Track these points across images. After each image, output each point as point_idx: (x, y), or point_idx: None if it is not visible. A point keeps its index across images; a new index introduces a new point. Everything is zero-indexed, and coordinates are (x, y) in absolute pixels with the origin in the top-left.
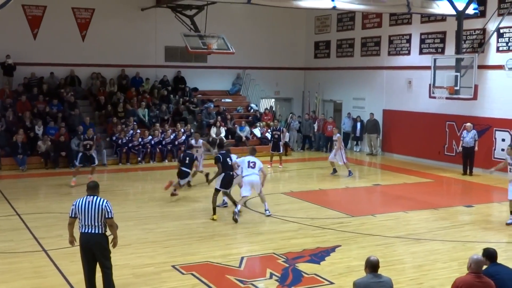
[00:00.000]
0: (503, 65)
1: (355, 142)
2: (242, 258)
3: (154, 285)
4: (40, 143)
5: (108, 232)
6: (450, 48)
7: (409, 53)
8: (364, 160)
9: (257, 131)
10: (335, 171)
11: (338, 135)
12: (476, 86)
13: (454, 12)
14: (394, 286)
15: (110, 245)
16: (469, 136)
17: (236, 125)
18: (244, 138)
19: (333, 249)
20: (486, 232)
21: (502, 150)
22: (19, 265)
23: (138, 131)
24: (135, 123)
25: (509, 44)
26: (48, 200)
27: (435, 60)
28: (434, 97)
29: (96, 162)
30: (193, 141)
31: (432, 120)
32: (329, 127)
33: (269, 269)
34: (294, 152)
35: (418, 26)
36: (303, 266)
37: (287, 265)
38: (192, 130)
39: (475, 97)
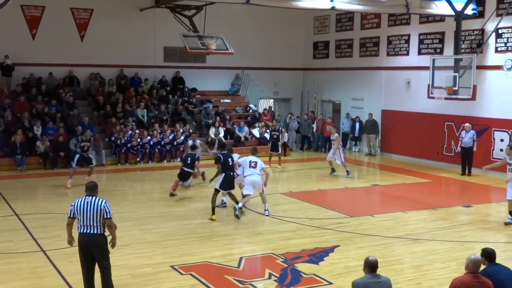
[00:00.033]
0: (502, 66)
1: (354, 143)
2: (241, 258)
3: (153, 286)
4: (38, 144)
5: (106, 233)
6: (449, 49)
7: (407, 54)
8: (363, 161)
9: (256, 132)
10: (333, 170)
11: (336, 134)
12: (474, 87)
13: (452, 13)
14: (392, 286)
15: (109, 246)
16: (467, 137)
17: (235, 126)
18: (243, 139)
19: (331, 249)
20: (484, 232)
21: (501, 150)
22: (18, 265)
23: (137, 131)
24: (133, 123)
25: (508, 45)
26: (46, 201)
27: (433, 60)
28: (433, 98)
29: (94, 163)
30: (190, 142)
31: (431, 120)
32: (327, 127)
33: (268, 269)
34: (293, 152)
35: (416, 27)
36: (302, 266)
37: (286, 265)
38: (190, 131)
39: (473, 98)
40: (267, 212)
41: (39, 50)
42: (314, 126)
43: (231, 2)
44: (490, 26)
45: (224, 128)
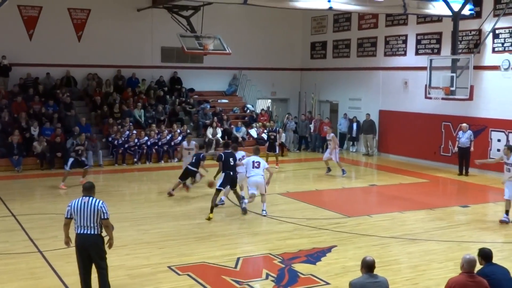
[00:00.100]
0: (499, 66)
1: (351, 143)
2: (238, 258)
3: (150, 286)
4: (35, 144)
5: (103, 233)
6: (446, 49)
7: (405, 54)
8: (360, 161)
9: (253, 132)
10: (329, 170)
11: (332, 134)
12: (472, 87)
13: (450, 13)
14: (390, 286)
15: (106, 246)
16: (465, 137)
17: (232, 126)
18: (240, 139)
19: (329, 249)
20: (481, 232)
21: (498, 150)
22: (15, 266)
23: (134, 131)
24: (131, 123)
25: (505, 45)
26: (43, 201)
27: (431, 60)
28: (430, 98)
29: (91, 164)
30: (185, 143)
31: (428, 120)
32: (325, 127)
33: (265, 270)
34: (290, 152)
35: (414, 27)
36: (299, 267)
37: (283, 266)
38: (188, 131)
39: (471, 98)
40: (264, 212)
41: (36, 51)
42: (312, 126)
43: (228, 3)
44: (487, 27)
45: (221, 129)
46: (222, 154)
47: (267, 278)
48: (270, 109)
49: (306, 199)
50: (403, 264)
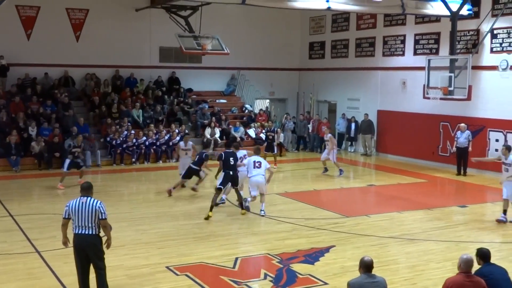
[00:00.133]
0: (497, 66)
1: (349, 143)
2: (237, 258)
3: (148, 286)
4: (33, 144)
5: (101, 233)
6: (444, 49)
7: (403, 54)
8: (358, 161)
9: (251, 132)
10: (326, 170)
11: (329, 135)
12: (470, 87)
13: (448, 13)
14: (388, 286)
15: (104, 246)
16: (463, 137)
17: (230, 126)
18: (238, 139)
19: (327, 249)
20: (479, 232)
21: (496, 150)
22: (13, 266)
23: (133, 132)
24: (129, 123)
25: (503, 45)
26: (41, 201)
27: (429, 60)
28: (428, 98)
29: (89, 164)
30: (182, 143)
31: (426, 120)
32: (323, 127)
33: (264, 270)
34: (288, 152)
35: (412, 27)
36: (297, 267)
37: (281, 266)
38: (186, 131)
39: (469, 98)
40: (262, 212)
41: (34, 51)
42: (310, 126)
43: (226, 3)
44: (485, 27)
45: (219, 129)
46: (223, 154)
47: (265, 278)
48: (268, 109)
49: (304, 199)
50: (401, 264)
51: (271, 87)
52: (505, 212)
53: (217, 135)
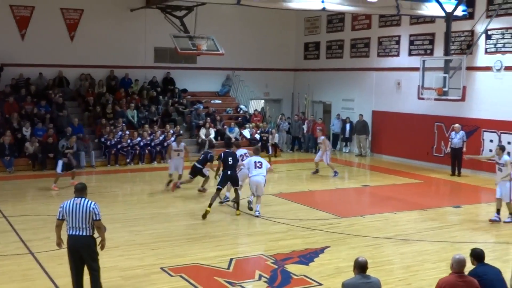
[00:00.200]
0: (491, 67)
1: (344, 143)
2: (231, 259)
3: None
4: (27, 145)
5: (96, 234)
6: (439, 50)
7: (398, 55)
8: (353, 161)
9: (246, 133)
10: (317, 171)
11: (322, 137)
12: (464, 88)
13: (443, 14)
14: (382, 286)
15: (98, 247)
16: (457, 137)
17: (225, 126)
18: (233, 140)
19: (322, 250)
20: (474, 232)
21: (490, 150)
22: (6, 268)
23: (127, 132)
24: (124, 124)
25: (497, 46)
26: (35, 202)
27: (423, 61)
28: (423, 98)
29: (83, 165)
30: (174, 144)
31: (421, 121)
32: (318, 128)
33: (258, 271)
34: (283, 153)
35: (407, 28)
36: (292, 268)
37: (276, 267)
38: (181, 132)
39: (463, 99)
40: (257, 212)
41: (28, 51)
42: (305, 127)
43: (222, 3)
44: (479, 28)
45: (214, 129)
46: (222, 154)
47: (260, 279)
48: (263, 110)
49: (299, 199)
50: (395, 264)
51: (266, 87)
52: (498, 211)
53: (212, 135)
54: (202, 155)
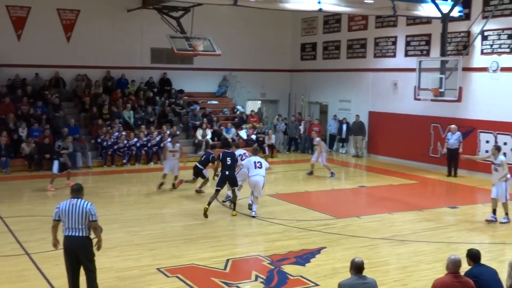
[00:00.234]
0: (487, 68)
1: (341, 144)
2: (228, 260)
3: None
4: (24, 146)
5: (92, 235)
6: (435, 51)
7: (394, 55)
8: (349, 162)
9: (243, 133)
10: (311, 172)
11: (318, 139)
12: (460, 88)
13: (439, 15)
14: (378, 287)
15: (94, 248)
16: (453, 138)
17: (222, 127)
18: (230, 140)
19: (318, 251)
20: (470, 233)
21: (486, 151)
22: (2, 269)
23: (124, 133)
24: (120, 125)
25: (493, 47)
26: (31, 203)
27: (420, 62)
28: (419, 99)
29: (79, 166)
30: (169, 145)
31: (417, 122)
32: (315, 128)
33: (255, 271)
34: (280, 154)
35: (403, 29)
36: (288, 268)
37: (272, 267)
38: (178, 132)
39: (459, 99)
40: (254, 213)
41: (24, 51)
42: (301, 127)
43: (218, 4)
44: (476, 29)
45: (211, 130)
46: (220, 154)
47: (256, 279)
48: (260, 111)
49: (295, 200)
50: (392, 265)
51: (262, 88)
52: (494, 211)
53: (209, 136)
54: (204, 156)
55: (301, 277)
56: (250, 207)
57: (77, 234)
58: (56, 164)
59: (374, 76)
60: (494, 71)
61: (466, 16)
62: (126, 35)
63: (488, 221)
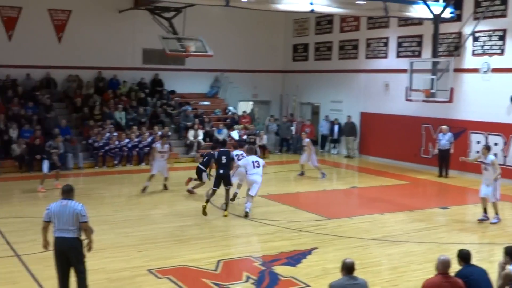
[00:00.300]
0: (478, 69)
1: (332, 145)
2: (219, 261)
3: None
4: (14, 146)
5: (83, 236)
6: (427, 52)
7: (386, 57)
8: (341, 163)
9: (235, 134)
10: (302, 173)
11: (307, 140)
12: (452, 89)
13: (430, 16)
14: None
15: (85, 249)
16: (445, 139)
17: (214, 128)
18: (221, 141)
19: (309, 251)
20: (460, 233)
21: (477, 152)
22: None
23: (115, 134)
24: (112, 126)
25: (484, 48)
26: (22, 204)
27: (411, 63)
28: (411, 100)
29: (70, 167)
30: (158, 145)
31: (409, 122)
32: (307, 129)
33: (246, 272)
34: (272, 154)
35: (395, 30)
36: (279, 269)
37: (263, 268)
38: (170, 133)
39: (451, 100)
40: (247, 209)
41: (15, 52)
42: (293, 128)
43: (211, 4)
44: (467, 30)
45: (203, 131)
46: (216, 153)
47: (247, 280)
48: (252, 111)
49: (287, 201)
50: (382, 266)
51: (254, 89)
52: (485, 210)
53: (200, 137)
54: (206, 157)
55: (292, 278)
56: (234, 197)
57: (67, 235)
58: (46, 164)
59: (365, 77)
60: (485, 72)
61: (458, 18)
62: (118, 36)
63: (480, 221)
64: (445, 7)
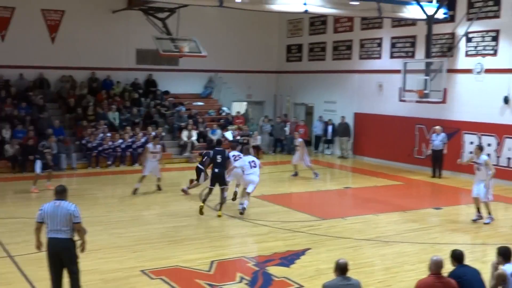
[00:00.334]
0: (472, 69)
1: (326, 145)
2: (212, 262)
3: None
4: (7, 147)
5: (76, 237)
6: (420, 52)
7: (380, 57)
8: (335, 163)
9: (228, 134)
10: (296, 174)
11: (299, 140)
12: (445, 90)
13: (424, 17)
14: None
15: (78, 250)
16: (438, 139)
17: (208, 129)
18: (215, 142)
19: (303, 252)
20: (454, 234)
21: (471, 153)
22: None
23: (108, 134)
24: (105, 126)
25: (478, 49)
26: (15, 205)
27: (405, 64)
28: (404, 101)
29: (63, 167)
30: (150, 146)
31: (402, 123)
32: (300, 130)
33: (239, 273)
34: (266, 155)
35: (389, 30)
36: (273, 270)
37: (257, 269)
38: (163, 134)
39: (444, 101)
40: (242, 206)
41: (8, 52)
42: (287, 129)
43: (204, 5)
44: (460, 30)
45: (197, 131)
46: (212, 151)
47: (241, 281)
48: (246, 112)
49: (281, 201)
50: (376, 266)
51: (248, 89)
52: (478, 210)
53: (194, 137)
54: (205, 157)
55: (286, 278)
56: (244, 204)
57: (60, 236)
58: (38, 164)
59: (359, 77)
60: (479, 72)
61: (451, 18)
62: (112, 36)
63: (474, 221)
64: (438, 8)
